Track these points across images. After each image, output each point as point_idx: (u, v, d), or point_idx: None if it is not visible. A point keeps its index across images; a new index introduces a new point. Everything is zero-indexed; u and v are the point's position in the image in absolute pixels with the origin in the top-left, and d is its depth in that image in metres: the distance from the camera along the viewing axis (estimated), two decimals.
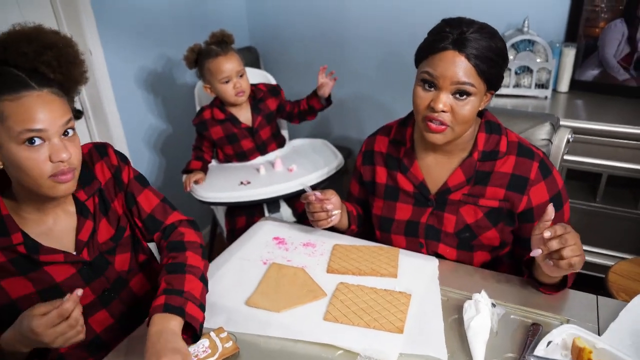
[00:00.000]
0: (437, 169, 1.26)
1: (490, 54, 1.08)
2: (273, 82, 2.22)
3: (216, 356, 0.96)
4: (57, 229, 1.07)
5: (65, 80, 1.00)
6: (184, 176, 1.94)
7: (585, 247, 2.23)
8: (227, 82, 1.87)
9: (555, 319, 1.03)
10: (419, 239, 1.29)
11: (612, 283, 1.59)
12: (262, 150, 2.04)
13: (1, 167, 0.96)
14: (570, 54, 2.17)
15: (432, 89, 1.12)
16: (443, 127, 1.12)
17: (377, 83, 2.76)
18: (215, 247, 2.36)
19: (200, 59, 1.90)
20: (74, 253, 1.07)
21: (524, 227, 1.23)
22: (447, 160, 1.25)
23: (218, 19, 2.67)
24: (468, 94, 1.09)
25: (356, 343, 0.97)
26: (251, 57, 2.80)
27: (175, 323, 0.95)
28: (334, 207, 1.27)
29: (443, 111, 1.10)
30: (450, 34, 1.09)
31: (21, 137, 0.91)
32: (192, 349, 0.98)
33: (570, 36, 2.22)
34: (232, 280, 1.19)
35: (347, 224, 1.40)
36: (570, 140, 1.51)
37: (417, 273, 1.18)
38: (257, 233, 1.41)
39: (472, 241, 1.24)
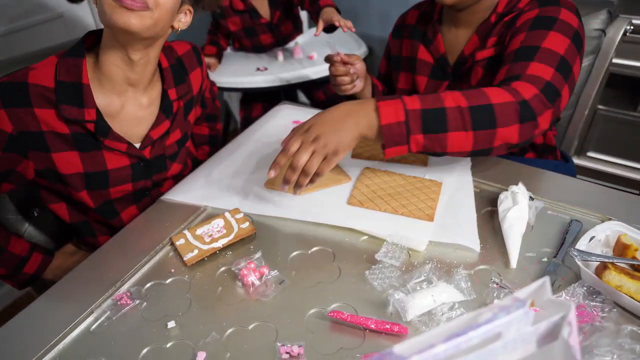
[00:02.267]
0: (457, 40, 1.16)
1: None
2: None
3: (231, 237, 0.91)
4: (129, 116, 1.00)
5: None
6: None
7: (624, 162, 2.14)
8: None
9: (596, 217, 0.95)
10: None
11: None
12: (284, 44, 1.89)
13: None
14: None
15: None
16: None
17: None
18: (227, 143, 2.27)
19: None
20: (137, 146, 1.02)
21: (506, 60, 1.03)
22: (466, 29, 1.14)
23: None
24: None
25: (382, 228, 0.90)
26: None
27: None
28: (357, 73, 1.18)
29: None
30: None
31: None
32: (207, 228, 0.92)
33: None
34: (250, 162, 1.12)
35: (371, 96, 1.30)
36: (628, 32, 1.35)
37: (449, 162, 1.09)
38: (275, 116, 1.31)
39: None
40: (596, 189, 1.04)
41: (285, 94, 1.82)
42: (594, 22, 1.33)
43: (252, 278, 0.81)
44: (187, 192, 1.04)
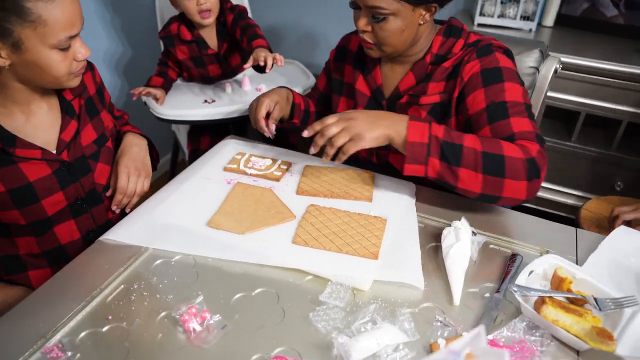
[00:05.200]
0: (394, 75, 1.21)
1: None
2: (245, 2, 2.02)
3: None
4: (37, 125, 1.02)
5: None
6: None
7: (558, 187, 2.24)
8: None
9: (534, 250, 0.98)
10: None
11: (584, 219, 1.57)
12: (232, 76, 1.88)
13: (5, 65, 0.90)
14: None
15: (358, 9, 1.08)
16: (370, 43, 1.11)
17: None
18: (176, 174, 2.21)
19: None
20: (54, 152, 1.02)
21: (461, 111, 1.12)
22: (403, 66, 1.19)
23: None
24: (383, 16, 1.03)
25: (327, 268, 0.89)
26: None
27: (144, 142, 1.23)
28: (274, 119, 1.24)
29: (364, 31, 1.08)
30: None
31: (58, 43, 0.90)
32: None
33: None
34: (193, 201, 1.09)
35: (288, 117, 1.34)
36: (559, 70, 1.43)
37: (393, 198, 1.10)
38: (220, 151, 1.29)
39: None
40: (535, 222, 1.08)
41: (234, 126, 1.81)
42: (528, 60, 1.39)
43: (194, 324, 0.78)
44: (128, 232, 0.99)
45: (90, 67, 1.17)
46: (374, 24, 1.06)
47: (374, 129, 0.98)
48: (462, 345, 0.53)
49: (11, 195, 0.97)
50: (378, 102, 1.22)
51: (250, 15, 1.90)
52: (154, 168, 1.28)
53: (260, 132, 1.24)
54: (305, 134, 1.02)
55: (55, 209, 1.04)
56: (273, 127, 1.23)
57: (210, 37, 1.79)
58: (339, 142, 0.99)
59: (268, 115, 1.23)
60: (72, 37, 0.92)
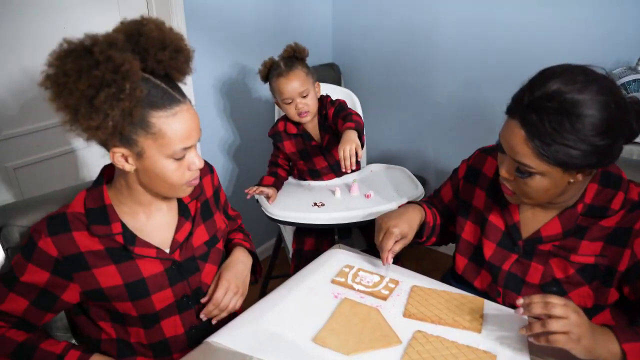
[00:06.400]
0: (534, 216, 1.14)
1: (565, 135, 0.90)
2: (355, 99, 2.15)
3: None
4: (155, 226, 1.12)
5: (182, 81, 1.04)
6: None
7: None
8: (289, 102, 1.82)
9: None
10: (497, 286, 1.17)
11: None
12: (336, 170, 1.96)
13: (131, 170, 1.00)
14: None
15: (502, 152, 1.03)
16: (510, 191, 1.06)
17: (458, 118, 2.64)
18: (277, 262, 2.30)
19: (269, 74, 1.85)
20: (167, 251, 1.10)
21: (634, 288, 1.04)
22: (547, 210, 1.12)
23: (303, 34, 2.66)
24: (529, 173, 0.98)
25: None
26: (333, 74, 2.76)
27: (250, 261, 1.28)
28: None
29: (507, 178, 1.04)
30: (524, 96, 0.95)
31: (173, 153, 0.97)
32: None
33: None
34: (299, 312, 1.12)
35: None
36: None
37: (504, 331, 1.05)
38: (329, 261, 1.33)
39: None
40: None
41: (339, 230, 1.85)
42: None
43: None
44: (233, 337, 1.03)
45: (210, 169, 1.26)
46: (518, 176, 1.01)
47: (594, 348, 0.88)
48: None
49: (127, 289, 1.05)
50: (514, 241, 1.16)
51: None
52: (256, 281, 1.35)
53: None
54: (520, 302, 0.92)
55: (164, 304, 1.11)
56: (391, 260, 1.23)
57: (314, 130, 1.93)
58: (555, 342, 0.87)
59: None
60: (186, 149, 0.99)
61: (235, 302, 1.18)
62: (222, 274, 1.19)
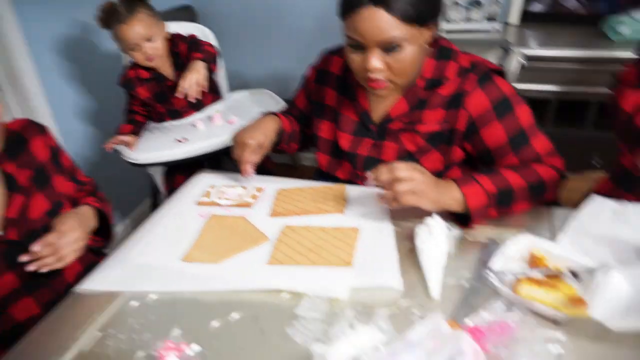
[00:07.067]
0: (382, 100, 1.19)
1: None
2: (210, 37, 2.05)
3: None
4: None
5: None
6: None
7: None
8: (135, 49, 1.70)
9: (511, 234, 0.98)
10: (357, 172, 1.23)
11: (565, 200, 1.56)
12: (197, 106, 1.89)
13: None
14: None
15: (360, 50, 1.04)
16: (384, 84, 1.07)
17: (317, 38, 2.64)
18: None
19: (109, 20, 1.69)
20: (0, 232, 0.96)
21: (473, 143, 1.14)
22: (394, 93, 1.17)
23: None
24: (399, 45, 1.01)
25: (303, 283, 0.89)
26: (186, 18, 2.62)
27: (92, 215, 1.14)
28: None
29: (378, 70, 1.04)
30: None
31: None
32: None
33: None
34: (167, 239, 1.09)
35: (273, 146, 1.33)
36: (524, 65, 1.45)
37: (366, 207, 1.10)
38: (194, 187, 1.30)
39: None
40: None
41: (209, 162, 1.81)
42: (491, 58, 1.40)
43: (171, 358, 0.77)
44: (101, 279, 0.98)
45: (40, 130, 1.13)
46: (388, 57, 1.03)
47: (438, 198, 0.97)
48: (419, 335, 0.53)
49: None
50: (366, 126, 1.21)
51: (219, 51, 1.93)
52: (104, 246, 1.27)
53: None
54: (370, 181, 0.98)
55: (6, 291, 0.99)
56: (251, 171, 1.24)
57: (168, 70, 1.83)
58: (405, 202, 0.95)
59: None
60: None
61: (73, 242, 1.00)
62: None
